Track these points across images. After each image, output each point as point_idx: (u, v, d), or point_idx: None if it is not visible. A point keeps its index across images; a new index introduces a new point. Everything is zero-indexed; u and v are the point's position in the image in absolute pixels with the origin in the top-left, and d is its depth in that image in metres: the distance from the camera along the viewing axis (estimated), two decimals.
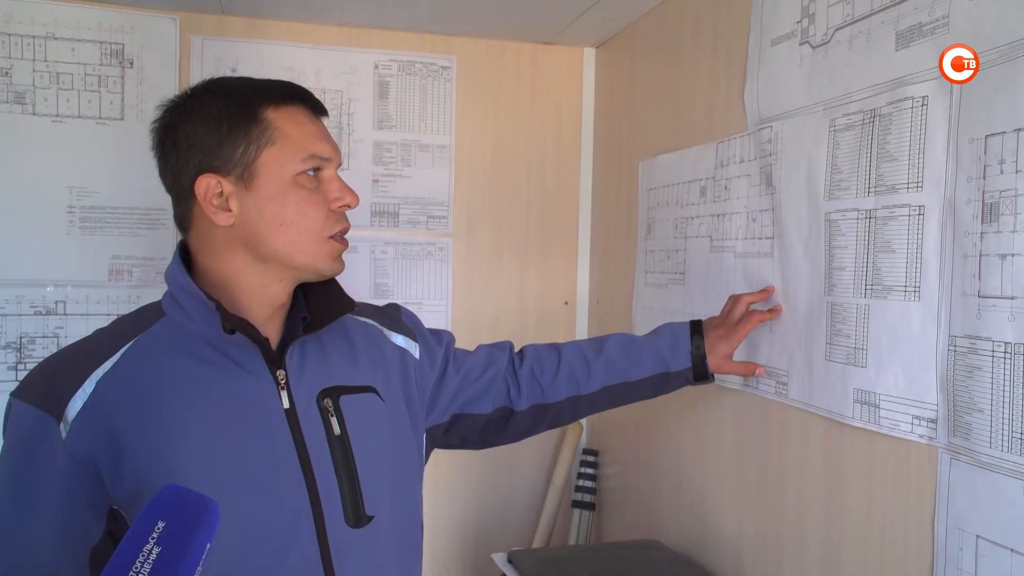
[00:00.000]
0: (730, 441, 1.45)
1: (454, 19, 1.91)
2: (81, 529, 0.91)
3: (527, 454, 2.11)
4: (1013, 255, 0.86)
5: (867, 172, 1.08)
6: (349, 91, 1.98)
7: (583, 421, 2.12)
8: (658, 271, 1.71)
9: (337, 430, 1.00)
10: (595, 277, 2.12)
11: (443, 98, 2.04)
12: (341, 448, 0.99)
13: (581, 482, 2.04)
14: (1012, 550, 0.87)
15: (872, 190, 1.07)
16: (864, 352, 1.09)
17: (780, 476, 1.30)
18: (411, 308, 1.24)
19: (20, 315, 1.77)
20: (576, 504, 2.02)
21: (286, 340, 1.03)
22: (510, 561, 1.49)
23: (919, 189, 1.00)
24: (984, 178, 0.90)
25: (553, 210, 2.12)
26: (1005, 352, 0.87)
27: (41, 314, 1.79)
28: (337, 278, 1.06)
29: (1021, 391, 0.86)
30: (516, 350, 1.28)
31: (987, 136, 0.90)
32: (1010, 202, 0.87)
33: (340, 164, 1.03)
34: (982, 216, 0.90)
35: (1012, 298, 0.86)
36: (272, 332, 1.02)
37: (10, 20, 1.75)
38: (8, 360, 1.76)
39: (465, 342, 1.27)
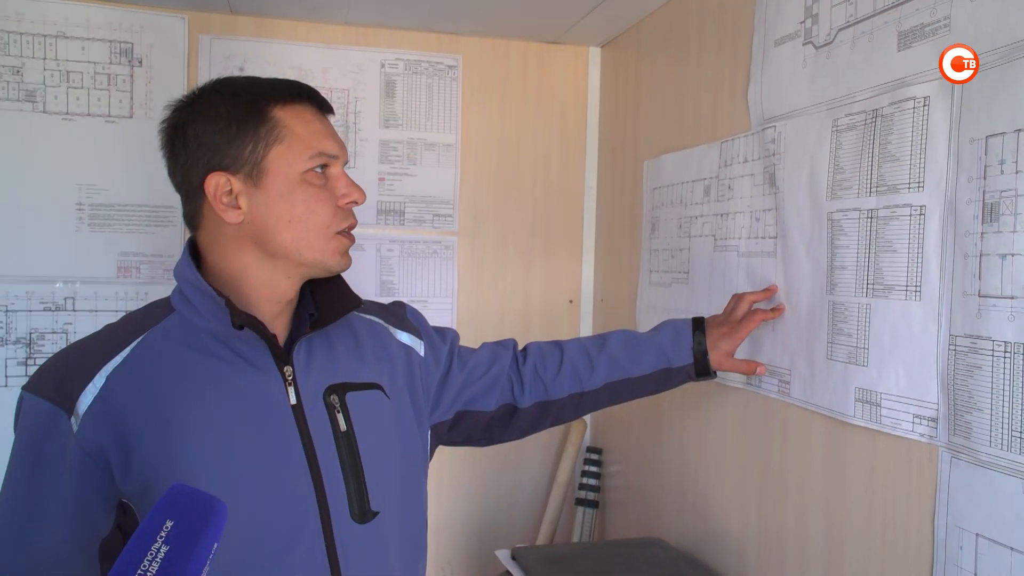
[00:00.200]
0: (733, 440, 1.46)
1: (460, 18, 1.92)
2: (91, 521, 0.92)
3: (531, 452, 2.12)
4: (1013, 255, 0.87)
5: (869, 172, 1.09)
6: (356, 90, 1.99)
7: (587, 419, 2.13)
8: (662, 270, 1.72)
9: (343, 426, 1.01)
10: (599, 276, 2.13)
11: (449, 97, 2.05)
12: (347, 444, 1.00)
13: (585, 480, 2.05)
14: (1011, 548, 0.88)
15: (874, 190, 1.08)
16: (866, 351, 1.10)
17: (782, 474, 1.30)
18: (416, 306, 1.25)
19: (30, 311, 1.79)
20: (580, 502, 2.03)
21: (293, 337, 1.04)
22: (514, 558, 1.50)
23: (920, 189, 1.00)
24: (985, 178, 0.91)
25: (558, 209, 2.13)
26: (1005, 351, 0.88)
27: (50, 310, 1.80)
28: (343, 275, 1.07)
29: (1021, 390, 0.87)
30: (520, 348, 1.29)
31: (988, 137, 0.90)
32: (1010, 202, 0.87)
33: (347, 162, 1.04)
34: (983, 216, 0.91)
35: (1012, 298, 0.87)
36: (280, 329, 1.03)
37: (22, 19, 1.77)
38: (18, 355, 1.78)
39: (470, 340, 1.28)
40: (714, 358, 1.25)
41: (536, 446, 2.11)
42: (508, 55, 2.08)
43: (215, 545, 0.65)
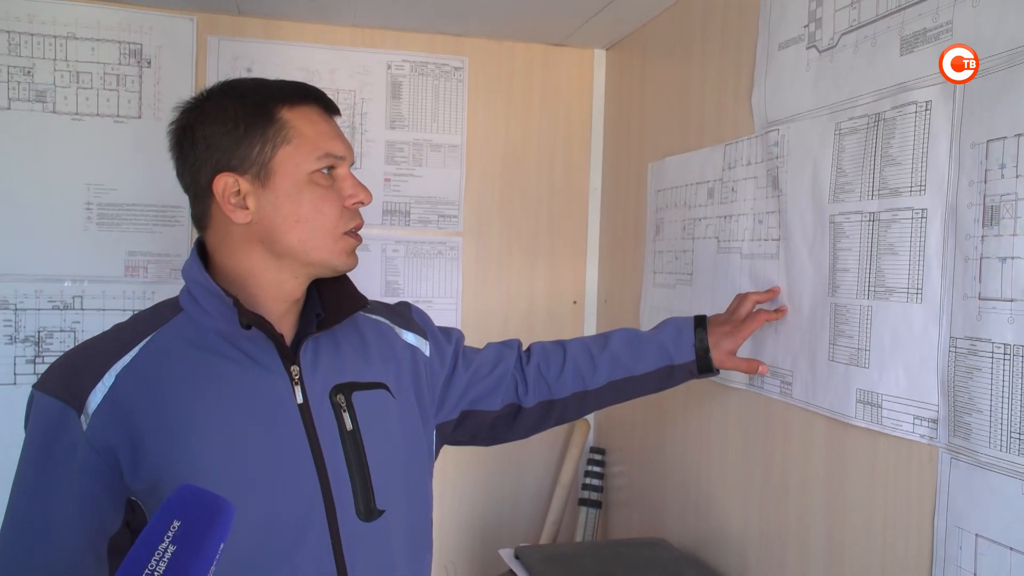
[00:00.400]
0: (735, 440, 1.46)
1: (466, 20, 1.93)
2: (101, 519, 0.92)
3: (535, 452, 2.13)
4: (1013, 258, 0.88)
5: (871, 175, 1.10)
6: (362, 91, 2.00)
7: (590, 420, 2.14)
8: (666, 271, 1.73)
9: (349, 425, 1.02)
10: (604, 277, 2.14)
11: (455, 98, 2.06)
12: (353, 443, 1.01)
13: (588, 480, 2.05)
14: (1011, 548, 0.89)
15: (876, 193, 1.09)
16: (867, 353, 1.10)
17: (784, 475, 1.31)
18: (421, 306, 1.26)
19: (39, 309, 1.81)
20: (583, 502, 2.04)
21: (300, 336, 1.05)
22: (517, 557, 1.51)
23: (922, 192, 1.01)
24: (985, 182, 0.91)
25: (563, 210, 2.14)
26: (1004, 354, 0.89)
27: (59, 308, 1.82)
28: (349, 275, 1.08)
29: (1020, 392, 0.87)
30: (524, 348, 1.30)
31: (988, 141, 0.91)
32: (1010, 206, 0.88)
33: (353, 163, 1.05)
34: (983, 220, 0.92)
35: (1012, 300, 0.88)
36: (287, 329, 1.04)
37: (33, 20, 1.79)
38: (27, 353, 1.80)
39: (474, 340, 1.29)
40: (716, 356, 1.26)
41: (540, 446, 2.12)
42: (514, 57, 2.09)
43: (221, 545, 0.65)
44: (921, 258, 1.01)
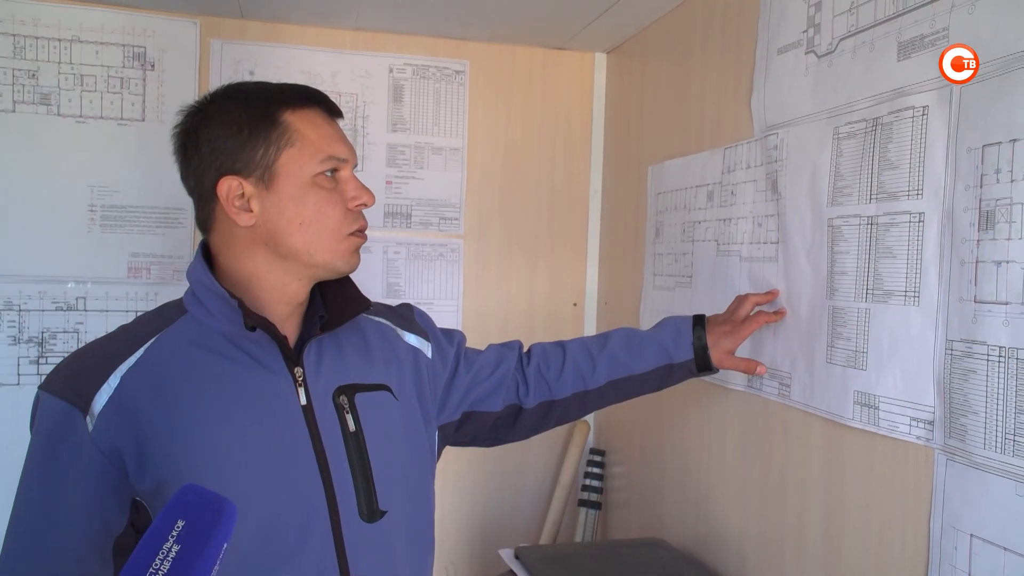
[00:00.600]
0: (734, 442, 1.47)
1: (467, 24, 1.94)
2: (106, 519, 0.93)
3: (535, 453, 2.13)
4: (1008, 262, 0.89)
5: (869, 179, 1.11)
6: (364, 94, 2.01)
7: (590, 421, 2.14)
8: (666, 274, 1.74)
9: (352, 427, 1.02)
10: (604, 279, 2.15)
11: (456, 102, 2.07)
12: (356, 444, 1.02)
13: (588, 481, 2.06)
14: (1004, 548, 0.90)
15: (874, 197, 1.10)
16: (864, 355, 1.11)
17: (782, 476, 1.32)
18: (423, 308, 1.27)
19: (42, 310, 1.82)
20: (583, 503, 2.05)
21: (303, 338, 1.06)
22: (517, 557, 1.51)
23: (919, 197, 1.02)
24: (981, 186, 0.93)
25: (563, 213, 2.15)
26: (999, 356, 0.90)
27: (62, 310, 1.83)
28: (351, 277, 1.09)
29: (1014, 394, 0.88)
30: (524, 349, 1.31)
31: (984, 146, 0.92)
32: (1005, 210, 0.89)
33: (356, 165, 1.06)
34: (979, 224, 0.93)
35: (1007, 303, 0.89)
36: (290, 330, 1.05)
37: (38, 24, 1.80)
38: (30, 354, 1.81)
39: (475, 342, 1.30)
40: (715, 355, 1.26)
41: (540, 448, 2.13)
42: (515, 61, 2.10)
43: (224, 545, 0.66)
44: (918, 261, 1.02)
